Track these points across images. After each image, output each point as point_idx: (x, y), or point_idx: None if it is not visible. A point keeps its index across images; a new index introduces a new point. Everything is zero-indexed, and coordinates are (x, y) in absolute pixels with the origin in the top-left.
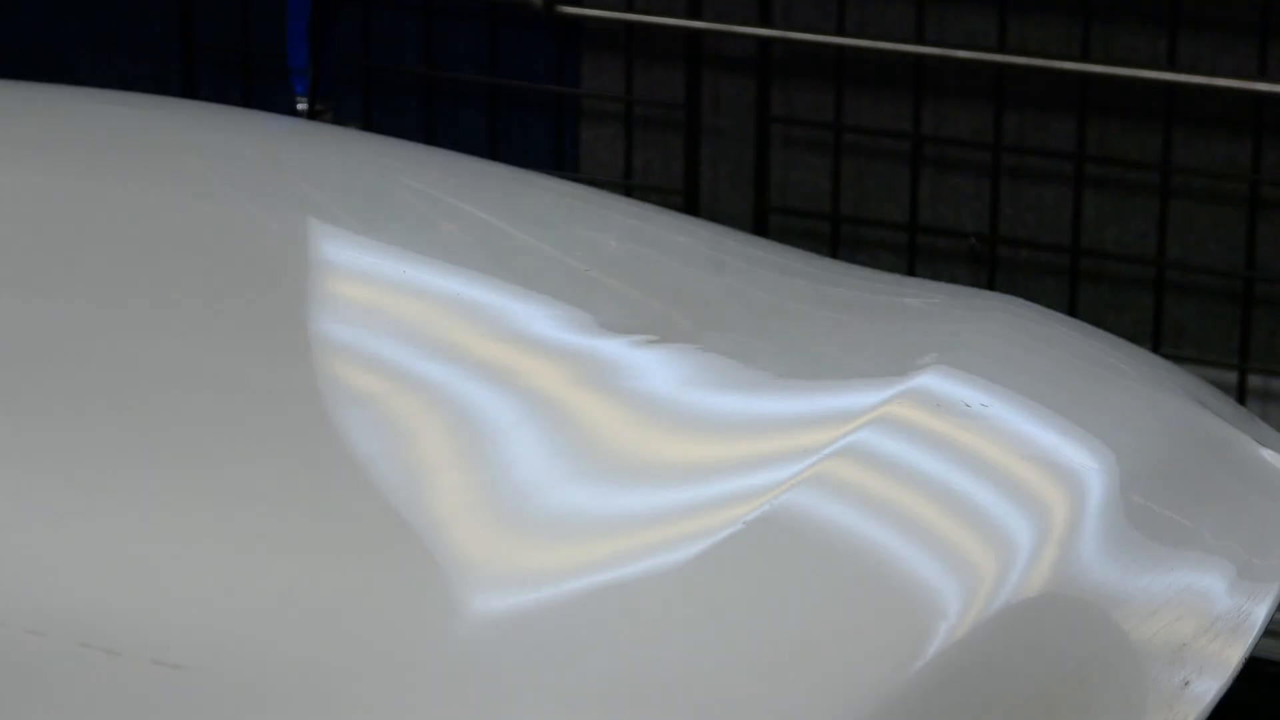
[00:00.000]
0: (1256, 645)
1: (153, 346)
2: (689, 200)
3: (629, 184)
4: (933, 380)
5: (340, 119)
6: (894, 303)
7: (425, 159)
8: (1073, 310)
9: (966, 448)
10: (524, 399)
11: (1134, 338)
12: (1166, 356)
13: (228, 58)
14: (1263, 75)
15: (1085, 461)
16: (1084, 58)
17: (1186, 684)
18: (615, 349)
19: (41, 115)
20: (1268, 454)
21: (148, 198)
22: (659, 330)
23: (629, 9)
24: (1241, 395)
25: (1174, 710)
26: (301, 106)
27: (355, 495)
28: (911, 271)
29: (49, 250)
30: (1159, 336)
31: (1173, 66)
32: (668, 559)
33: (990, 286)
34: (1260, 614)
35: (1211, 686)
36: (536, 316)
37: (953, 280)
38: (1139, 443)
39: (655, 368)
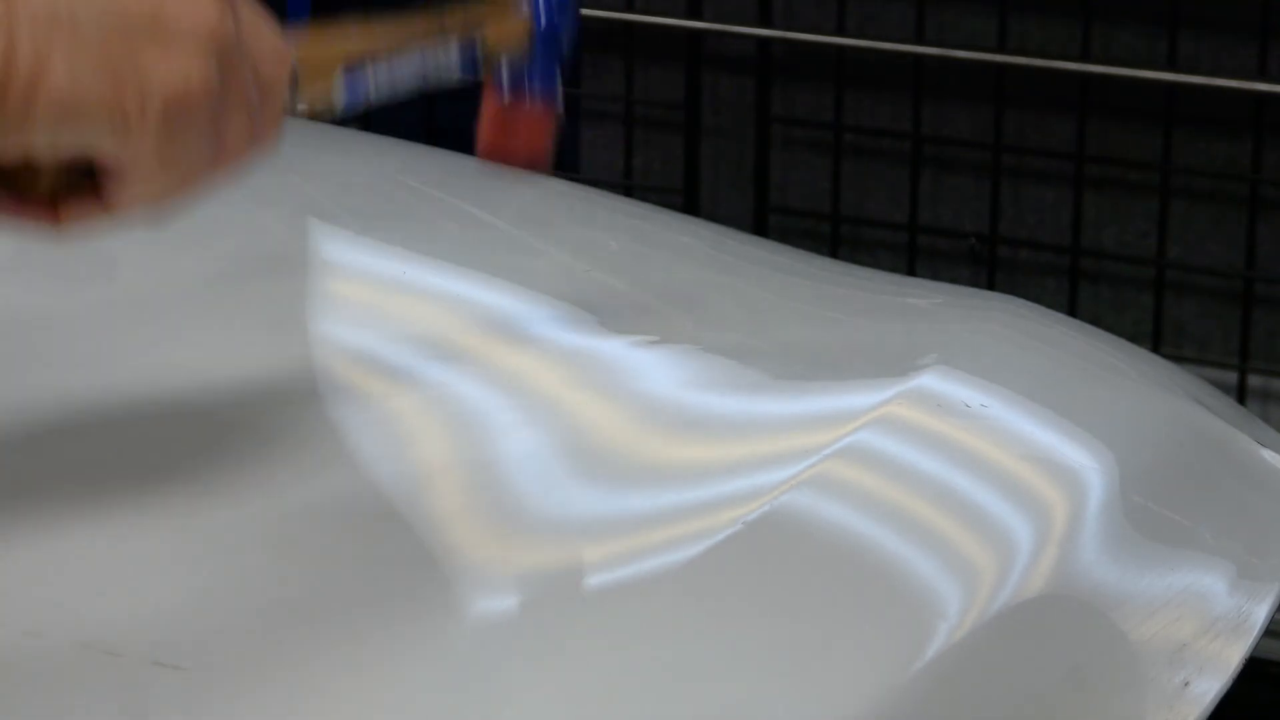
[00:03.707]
0: (1257, 645)
1: (152, 346)
2: (689, 200)
3: (629, 184)
4: (933, 380)
5: (340, 119)
6: (894, 303)
7: (425, 159)
8: (1073, 310)
9: (966, 448)
10: (523, 399)
11: (1134, 338)
12: (1166, 356)
13: None
14: (1263, 75)
15: (1085, 461)
16: (1084, 58)
17: (1186, 684)
18: (615, 349)
19: None
20: (1268, 454)
21: None
22: (659, 330)
23: (629, 9)
24: (1241, 395)
25: (1174, 710)
26: (302, 106)
27: (353, 495)
28: (911, 271)
29: (47, 251)
30: (1159, 336)
31: (1173, 66)
32: (666, 560)
33: (990, 286)
34: (1261, 614)
35: (1212, 687)
36: (536, 316)
37: (953, 280)
38: (1139, 443)
39: (655, 368)
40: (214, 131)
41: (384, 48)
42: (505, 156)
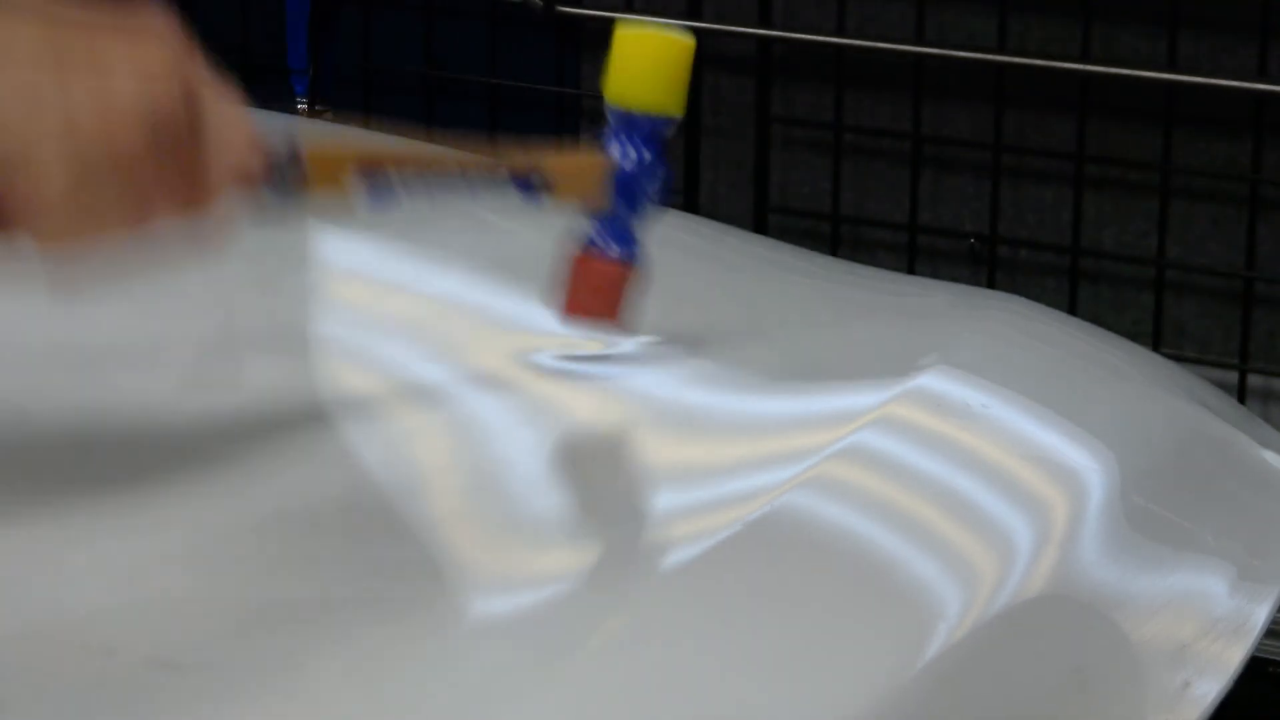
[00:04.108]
0: (1258, 645)
1: (153, 347)
2: (689, 200)
3: None
4: (933, 380)
5: (340, 119)
6: (894, 302)
7: None
8: (1073, 310)
9: (967, 448)
10: (522, 399)
11: (1134, 338)
12: (1166, 356)
13: (228, 58)
14: (1263, 75)
15: (1085, 461)
16: (1084, 58)
17: (1187, 685)
18: (615, 349)
19: None
20: (1268, 454)
21: None
22: (659, 330)
23: (629, 9)
24: (1241, 395)
25: (1175, 712)
26: (301, 106)
27: (354, 497)
28: (911, 271)
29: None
30: (1159, 336)
31: (1173, 66)
32: (667, 560)
33: (990, 286)
34: (1261, 615)
35: (1213, 688)
36: (536, 316)
37: (953, 280)
38: (1139, 443)
39: (655, 368)
40: (137, 187)
41: (416, 163)
42: (577, 309)
